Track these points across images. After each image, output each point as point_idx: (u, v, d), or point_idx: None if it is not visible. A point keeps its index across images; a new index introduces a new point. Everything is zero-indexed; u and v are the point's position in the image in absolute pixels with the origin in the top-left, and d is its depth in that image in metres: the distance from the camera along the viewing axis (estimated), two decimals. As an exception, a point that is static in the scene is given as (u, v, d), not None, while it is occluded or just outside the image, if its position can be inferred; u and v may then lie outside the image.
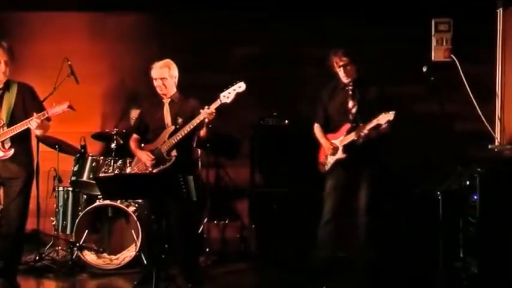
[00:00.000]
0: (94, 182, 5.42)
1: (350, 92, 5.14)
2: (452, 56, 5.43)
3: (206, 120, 4.86)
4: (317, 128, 5.35)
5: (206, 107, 4.86)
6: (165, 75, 5.08)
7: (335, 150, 5.14)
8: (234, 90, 4.86)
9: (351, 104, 5.13)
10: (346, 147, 5.08)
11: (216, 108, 4.86)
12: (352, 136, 5.03)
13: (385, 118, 4.86)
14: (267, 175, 6.21)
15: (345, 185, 5.15)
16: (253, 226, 6.15)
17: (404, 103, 5.65)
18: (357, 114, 5.07)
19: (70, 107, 4.85)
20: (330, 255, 5.19)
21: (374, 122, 4.92)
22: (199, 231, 5.97)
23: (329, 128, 5.28)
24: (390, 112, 4.85)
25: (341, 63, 5.09)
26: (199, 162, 5.89)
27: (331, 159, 5.18)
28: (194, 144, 5.21)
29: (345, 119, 5.14)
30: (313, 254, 5.26)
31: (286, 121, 6.20)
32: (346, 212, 5.15)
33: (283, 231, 5.91)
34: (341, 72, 5.13)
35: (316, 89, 5.86)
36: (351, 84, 5.15)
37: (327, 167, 5.22)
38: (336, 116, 5.22)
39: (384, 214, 5.29)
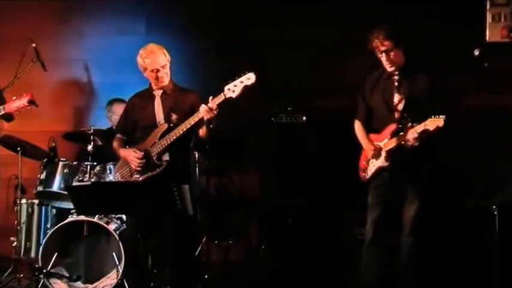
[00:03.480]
0: (66, 192, 5.35)
1: (396, 83, 4.90)
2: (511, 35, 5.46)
3: (205, 118, 4.74)
4: (358, 126, 5.15)
5: (211, 97, 4.73)
6: (165, 61, 5.01)
7: (377, 152, 4.89)
8: (242, 82, 4.68)
9: (396, 98, 4.88)
10: (390, 153, 4.83)
11: (219, 104, 4.72)
12: (395, 141, 4.81)
13: (434, 124, 4.59)
14: (280, 184, 6.01)
15: (389, 198, 4.95)
16: (263, 247, 6.00)
17: (451, 94, 5.38)
18: (404, 111, 4.83)
19: (31, 101, 4.76)
20: (375, 281, 4.99)
21: (420, 128, 4.66)
22: (197, 254, 5.79)
23: (372, 126, 5.08)
24: (440, 116, 4.59)
25: (383, 49, 4.82)
26: (197, 168, 5.80)
27: (372, 166, 4.97)
28: (191, 146, 5.11)
29: (389, 117, 4.91)
30: (358, 281, 5.11)
31: (304, 118, 6.05)
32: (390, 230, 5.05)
33: (300, 252, 5.78)
34: (383, 59, 4.88)
35: (341, 79, 5.99)
36: (396, 73, 4.91)
37: (368, 175, 5.00)
38: (380, 112, 5.01)
39: (428, 233, 5.09)
